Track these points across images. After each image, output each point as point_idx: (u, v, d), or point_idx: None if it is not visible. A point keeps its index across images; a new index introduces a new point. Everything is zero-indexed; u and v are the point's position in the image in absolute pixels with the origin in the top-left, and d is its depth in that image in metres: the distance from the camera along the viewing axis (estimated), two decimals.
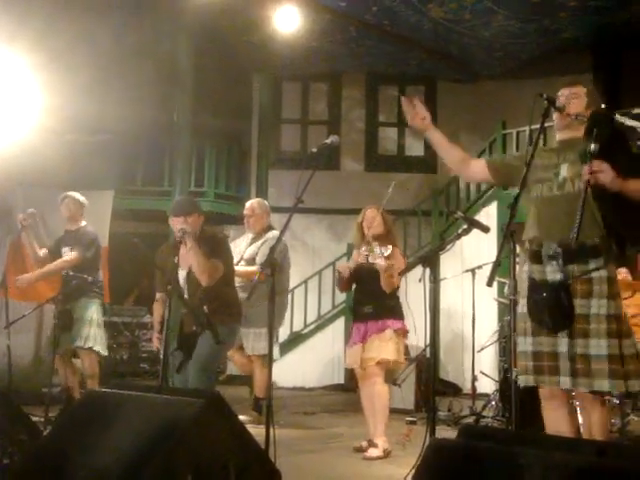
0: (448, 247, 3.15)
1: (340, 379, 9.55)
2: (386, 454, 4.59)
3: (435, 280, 3.09)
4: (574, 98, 3.11)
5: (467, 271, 6.87)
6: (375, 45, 10.57)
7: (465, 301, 7.20)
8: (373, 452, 4.58)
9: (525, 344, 3.00)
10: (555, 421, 3.01)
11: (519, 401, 3.02)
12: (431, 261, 3.14)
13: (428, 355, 8.85)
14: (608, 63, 10.85)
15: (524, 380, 2.99)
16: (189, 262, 4.24)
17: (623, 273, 6.51)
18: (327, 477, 4.12)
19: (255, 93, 11.79)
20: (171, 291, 3.93)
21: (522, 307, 3.07)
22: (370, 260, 4.55)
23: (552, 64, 10.33)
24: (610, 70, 10.89)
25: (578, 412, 3.20)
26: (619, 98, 10.58)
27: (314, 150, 4.00)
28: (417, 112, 3.21)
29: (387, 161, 12.01)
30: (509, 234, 2.89)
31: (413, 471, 2.12)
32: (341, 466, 4.38)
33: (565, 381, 2.88)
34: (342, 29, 9.97)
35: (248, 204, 6.21)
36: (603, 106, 3.14)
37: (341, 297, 9.70)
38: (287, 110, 12.21)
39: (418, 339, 4.58)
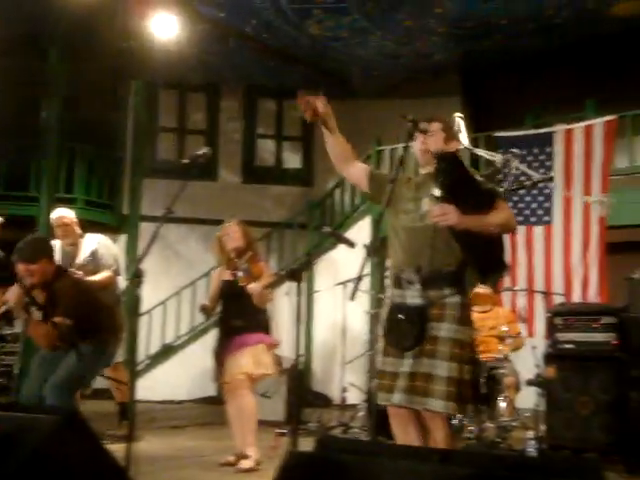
0: (314, 262, 3.20)
1: (212, 391, 9.44)
2: (257, 464, 4.58)
3: (300, 294, 3.13)
4: (431, 135, 3.23)
5: (339, 284, 7.01)
6: (254, 58, 10.62)
7: (338, 314, 7.35)
8: (245, 464, 4.56)
9: (385, 364, 3.13)
10: (402, 437, 3.13)
11: (382, 413, 3.12)
12: (297, 275, 3.19)
13: (300, 367, 9.00)
14: (476, 87, 11.45)
15: (378, 397, 3.13)
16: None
17: (485, 288, 6.83)
18: None
19: (130, 100, 11.52)
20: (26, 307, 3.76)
21: (381, 328, 3.19)
22: (240, 283, 4.51)
23: (425, 85, 10.80)
24: (478, 94, 11.50)
25: None
26: (486, 120, 11.18)
27: (186, 161, 3.95)
28: (313, 103, 3.21)
29: (264, 173, 12.07)
30: (372, 250, 2.99)
31: None
32: None
33: (399, 398, 3.02)
34: (221, 40, 9.96)
35: (62, 213, 5.87)
36: (463, 137, 3.30)
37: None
38: (164, 118, 12.01)
39: (291, 351, 4.66)
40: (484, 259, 3.11)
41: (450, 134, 3.27)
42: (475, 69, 11.00)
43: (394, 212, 3.18)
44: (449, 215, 2.94)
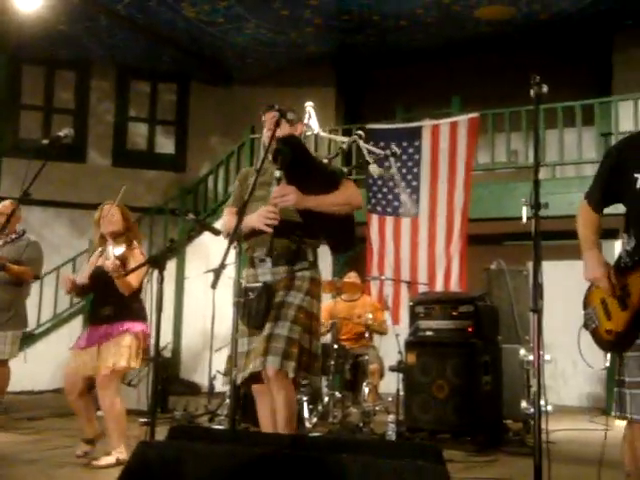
0: (180, 249, 3.17)
1: None
2: (119, 463, 4.37)
3: (162, 281, 3.09)
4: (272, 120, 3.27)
5: (209, 271, 6.96)
6: (127, 38, 10.31)
7: (208, 301, 7.28)
8: (104, 460, 4.37)
9: (243, 345, 3.14)
10: (265, 417, 3.17)
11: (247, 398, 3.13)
12: (159, 262, 3.14)
13: (167, 355, 8.88)
14: (350, 79, 11.68)
15: (239, 378, 3.11)
16: None
17: (353, 277, 7.02)
18: None
19: None
20: None
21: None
22: (106, 269, 4.33)
23: (300, 75, 10.88)
24: (352, 86, 11.73)
25: None
26: (360, 113, 11.43)
27: (45, 142, 3.78)
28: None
29: (136, 157, 11.76)
30: (235, 237, 2.99)
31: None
32: (63, 476, 4.14)
33: (255, 364, 3.05)
34: (92, 17, 9.59)
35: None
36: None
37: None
38: (28, 95, 11.42)
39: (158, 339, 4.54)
40: (333, 236, 3.21)
41: (293, 118, 3.31)
42: (349, 62, 11.21)
43: (253, 199, 3.19)
44: (288, 196, 3.03)
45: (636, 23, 9.38)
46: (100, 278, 4.50)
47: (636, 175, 2.60)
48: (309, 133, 3.35)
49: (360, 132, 3.40)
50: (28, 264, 5.64)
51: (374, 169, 3.44)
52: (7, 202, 5.58)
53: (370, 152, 3.36)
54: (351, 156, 8.79)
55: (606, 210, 2.81)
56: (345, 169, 3.37)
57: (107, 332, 4.47)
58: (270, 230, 3.06)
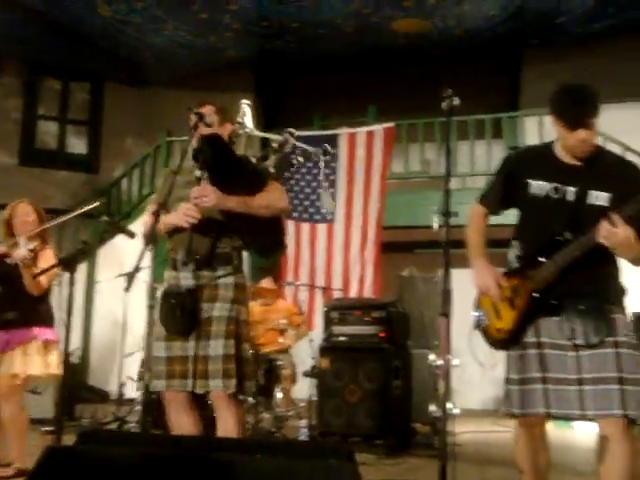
0: (93, 251, 3.10)
1: None
2: (20, 473, 4.19)
3: (72, 283, 3.02)
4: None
5: (121, 275, 6.82)
6: (40, 33, 10.00)
7: (120, 305, 7.13)
8: (3, 472, 4.19)
9: (160, 349, 3.07)
10: (179, 425, 3.11)
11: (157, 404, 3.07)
12: (70, 264, 3.07)
13: (75, 361, 8.63)
14: (269, 85, 11.71)
15: (155, 385, 3.05)
16: None
17: (268, 283, 7.02)
18: None
19: None
20: None
21: (158, 313, 3.15)
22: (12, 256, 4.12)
23: (219, 79, 10.83)
24: (271, 92, 11.77)
25: None
26: (278, 119, 11.47)
27: None
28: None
29: (45, 157, 11.41)
30: (150, 240, 2.94)
31: None
32: None
33: (189, 383, 2.99)
34: (4, 9, 9.24)
35: None
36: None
37: None
38: None
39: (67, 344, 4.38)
40: (258, 238, 3.14)
41: (224, 117, 3.27)
42: (268, 68, 11.25)
43: (179, 199, 3.14)
44: (208, 196, 2.96)
45: (542, 42, 9.83)
46: (5, 277, 4.29)
47: (530, 181, 2.77)
48: (242, 131, 3.30)
49: (292, 130, 3.36)
50: None
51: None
52: None
53: (302, 149, 3.32)
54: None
55: (498, 220, 2.97)
56: (273, 170, 3.31)
57: (14, 338, 4.20)
58: (188, 226, 3.00)
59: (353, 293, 8.45)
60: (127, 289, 2.84)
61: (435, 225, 2.74)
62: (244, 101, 3.40)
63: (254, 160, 3.22)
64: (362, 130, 8.84)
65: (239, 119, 3.39)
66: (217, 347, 2.98)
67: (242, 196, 3.04)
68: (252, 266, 9.35)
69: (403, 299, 6.65)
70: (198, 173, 2.99)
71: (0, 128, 11.00)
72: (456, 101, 2.79)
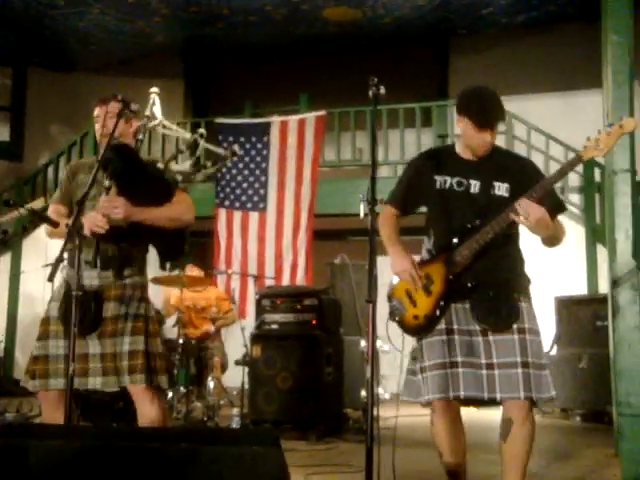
0: (10, 242, 3.00)
1: None
2: None
3: None
4: (109, 117, 3.12)
5: (46, 266, 6.65)
6: None
7: (46, 296, 6.96)
8: None
9: (57, 347, 3.01)
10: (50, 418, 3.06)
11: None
12: None
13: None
14: (199, 72, 11.56)
15: (33, 385, 3.02)
16: None
17: (195, 271, 6.94)
18: None
19: None
20: None
21: (52, 310, 3.08)
22: None
23: (147, 65, 10.63)
24: (201, 79, 11.62)
25: None
26: (208, 106, 11.35)
27: None
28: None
29: None
30: (74, 230, 2.87)
31: None
32: None
33: (96, 381, 2.98)
34: None
35: None
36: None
37: None
38: None
39: None
40: (162, 245, 3.14)
41: (130, 114, 3.19)
42: (198, 55, 11.11)
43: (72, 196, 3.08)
44: (117, 209, 2.93)
45: (470, 32, 10.01)
46: None
47: (435, 177, 2.94)
48: (152, 123, 3.20)
49: (202, 130, 3.29)
50: None
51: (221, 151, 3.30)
52: None
53: (211, 151, 3.27)
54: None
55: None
56: (180, 177, 3.24)
57: None
58: (94, 235, 2.94)
59: (285, 281, 8.47)
60: (50, 279, 2.77)
61: (362, 213, 2.77)
62: (153, 89, 3.26)
63: (161, 165, 3.13)
64: (294, 118, 8.85)
65: (147, 112, 3.30)
66: (125, 344, 2.98)
67: (149, 207, 3.02)
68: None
69: (335, 286, 6.70)
70: (107, 183, 2.93)
71: None
72: (382, 89, 2.81)
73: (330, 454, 4.79)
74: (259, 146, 8.93)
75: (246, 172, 8.92)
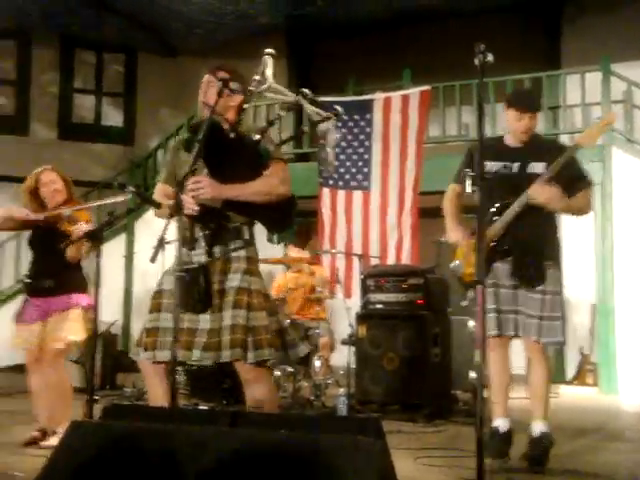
0: (116, 223, 3.06)
1: (22, 359, 8.91)
2: None
3: (99, 255, 2.99)
4: (211, 87, 3.14)
5: (157, 247, 6.81)
6: (69, 5, 9.97)
7: (159, 276, 7.15)
8: (51, 440, 4.21)
9: (167, 320, 2.99)
10: (155, 395, 3.06)
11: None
12: (96, 236, 3.04)
13: (116, 332, 8.74)
14: (301, 51, 11.52)
15: (144, 356, 3.03)
16: None
17: (296, 251, 6.88)
18: None
19: None
20: None
21: (165, 283, 3.11)
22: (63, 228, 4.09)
23: (249, 47, 10.66)
24: (303, 58, 11.58)
25: None
26: (311, 85, 11.30)
27: None
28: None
29: (83, 130, 11.45)
30: (175, 211, 2.88)
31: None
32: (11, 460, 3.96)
33: (197, 355, 2.94)
34: None
35: None
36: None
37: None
38: None
39: (106, 313, 4.38)
40: (265, 218, 3.06)
41: (229, 92, 3.13)
42: (300, 33, 11.06)
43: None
44: (203, 189, 2.90)
45: None
46: (41, 241, 4.31)
47: (486, 163, 3.38)
48: (262, 87, 3.11)
49: (305, 90, 3.16)
50: None
51: (323, 127, 3.19)
52: None
53: (317, 113, 3.14)
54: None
55: None
56: (272, 148, 3.13)
57: (54, 305, 4.29)
58: (188, 217, 2.94)
59: (391, 260, 8.34)
60: (152, 260, 2.80)
61: (468, 189, 2.66)
62: (267, 51, 3.15)
63: (257, 136, 3.01)
64: (397, 94, 8.63)
65: (256, 76, 3.22)
66: (227, 318, 2.93)
67: (240, 182, 2.97)
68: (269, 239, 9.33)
69: (442, 265, 6.52)
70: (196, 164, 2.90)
71: (38, 103, 11.06)
72: (489, 57, 2.64)
73: (439, 437, 4.67)
74: (362, 124, 8.79)
75: (349, 151, 8.81)
